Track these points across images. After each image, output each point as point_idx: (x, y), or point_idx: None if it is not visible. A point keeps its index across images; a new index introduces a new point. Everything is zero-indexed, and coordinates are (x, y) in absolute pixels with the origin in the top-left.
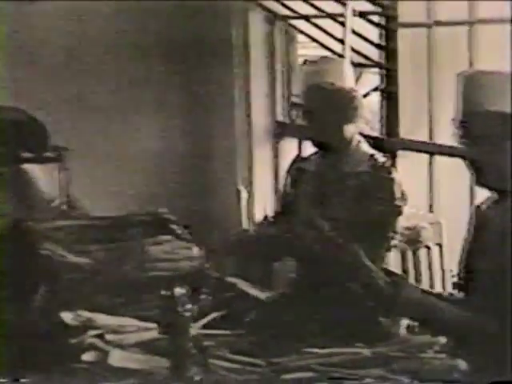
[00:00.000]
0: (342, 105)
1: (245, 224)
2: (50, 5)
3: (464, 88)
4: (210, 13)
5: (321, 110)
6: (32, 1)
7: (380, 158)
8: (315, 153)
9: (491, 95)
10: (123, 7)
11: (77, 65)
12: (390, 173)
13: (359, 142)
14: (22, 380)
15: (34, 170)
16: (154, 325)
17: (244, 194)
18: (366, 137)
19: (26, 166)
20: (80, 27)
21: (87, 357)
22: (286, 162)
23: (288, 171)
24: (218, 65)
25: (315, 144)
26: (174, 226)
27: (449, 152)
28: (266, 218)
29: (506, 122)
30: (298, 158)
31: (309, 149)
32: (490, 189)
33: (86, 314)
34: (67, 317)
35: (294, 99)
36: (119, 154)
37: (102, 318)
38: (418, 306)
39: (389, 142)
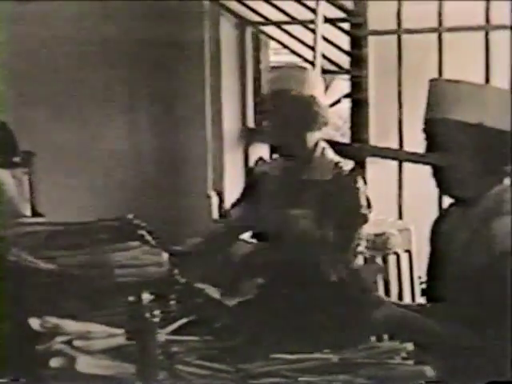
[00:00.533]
0: (304, 111)
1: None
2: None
3: (429, 94)
4: (183, 14)
5: (283, 116)
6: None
7: (345, 165)
8: (277, 157)
9: (453, 104)
10: (95, 7)
11: (45, 68)
12: (355, 181)
13: (324, 149)
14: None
15: (2, 174)
16: (122, 331)
17: (214, 199)
18: (333, 144)
19: None
20: (48, 29)
21: (55, 363)
22: None
23: (249, 174)
24: (190, 68)
25: (278, 150)
26: (142, 232)
27: (416, 159)
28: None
29: (466, 131)
30: (261, 162)
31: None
32: (452, 196)
33: (54, 320)
34: (34, 323)
35: (259, 104)
36: (87, 159)
37: (69, 324)
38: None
39: (357, 148)
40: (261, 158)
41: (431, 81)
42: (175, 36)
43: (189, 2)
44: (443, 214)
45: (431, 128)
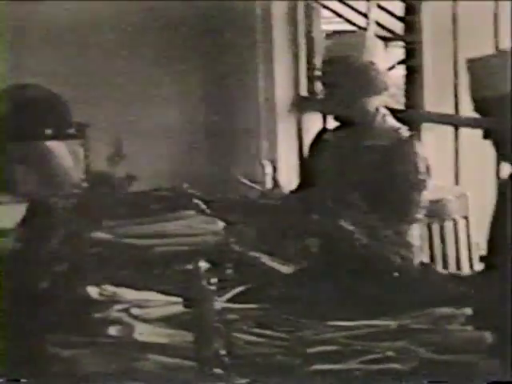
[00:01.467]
0: (364, 78)
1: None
2: None
3: (472, 74)
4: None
5: (342, 83)
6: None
7: (405, 131)
8: (340, 126)
9: (500, 78)
10: None
11: (98, 44)
12: (414, 146)
13: (384, 115)
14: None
15: (56, 146)
16: (179, 299)
17: (268, 169)
18: (390, 110)
19: (48, 143)
20: (99, 5)
21: (113, 331)
22: (310, 137)
23: (312, 143)
24: (241, 38)
25: (337, 118)
26: (197, 201)
27: (473, 124)
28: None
29: None
30: (323, 130)
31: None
32: (509, 161)
33: (112, 289)
34: (93, 291)
35: (317, 72)
36: (140, 131)
37: (127, 293)
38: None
39: (413, 114)
40: (324, 129)
41: (469, 61)
42: (225, 5)
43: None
44: (504, 178)
45: (484, 106)
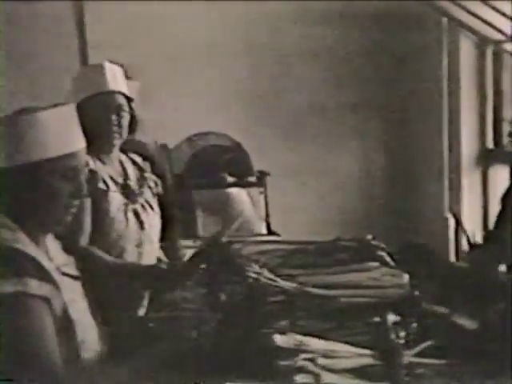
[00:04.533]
0: None
1: (451, 253)
2: None
3: None
4: (419, 31)
5: None
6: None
7: None
8: None
9: None
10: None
11: (276, 90)
12: None
13: None
14: None
15: (238, 193)
16: (367, 351)
17: (451, 222)
18: None
19: (230, 190)
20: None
21: (300, 379)
22: (496, 191)
23: (502, 199)
24: (426, 89)
25: None
26: (380, 253)
27: None
28: (472, 246)
29: None
30: None
31: None
32: None
33: (298, 337)
34: (279, 338)
35: (507, 125)
36: (321, 179)
37: (313, 342)
38: None
39: None
40: None
41: None
42: (410, 53)
43: (427, 19)
44: None
45: None
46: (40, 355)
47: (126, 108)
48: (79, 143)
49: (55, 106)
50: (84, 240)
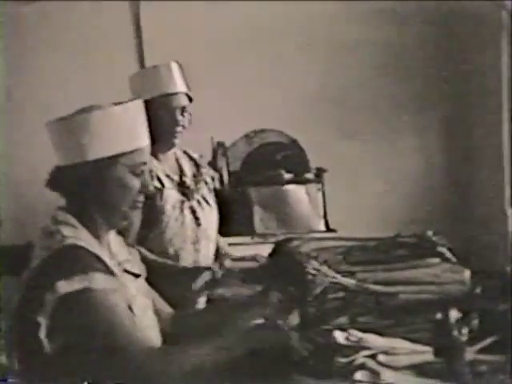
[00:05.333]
0: None
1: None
2: None
3: None
4: (479, 32)
5: None
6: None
7: None
8: None
9: None
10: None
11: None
12: None
13: None
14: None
15: (295, 190)
16: (427, 348)
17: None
18: None
19: (288, 187)
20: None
21: (360, 376)
22: None
23: None
24: (486, 89)
25: None
26: (441, 249)
27: None
28: None
29: None
30: None
31: None
32: None
33: (359, 334)
34: (339, 335)
35: None
36: (378, 176)
37: (374, 339)
38: None
39: None
40: None
41: None
42: (470, 54)
43: (487, 20)
44: None
45: None
46: (131, 342)
47: (189, 108)
48: (147, 139)
49: (125, 102)
50: (132, 238)
